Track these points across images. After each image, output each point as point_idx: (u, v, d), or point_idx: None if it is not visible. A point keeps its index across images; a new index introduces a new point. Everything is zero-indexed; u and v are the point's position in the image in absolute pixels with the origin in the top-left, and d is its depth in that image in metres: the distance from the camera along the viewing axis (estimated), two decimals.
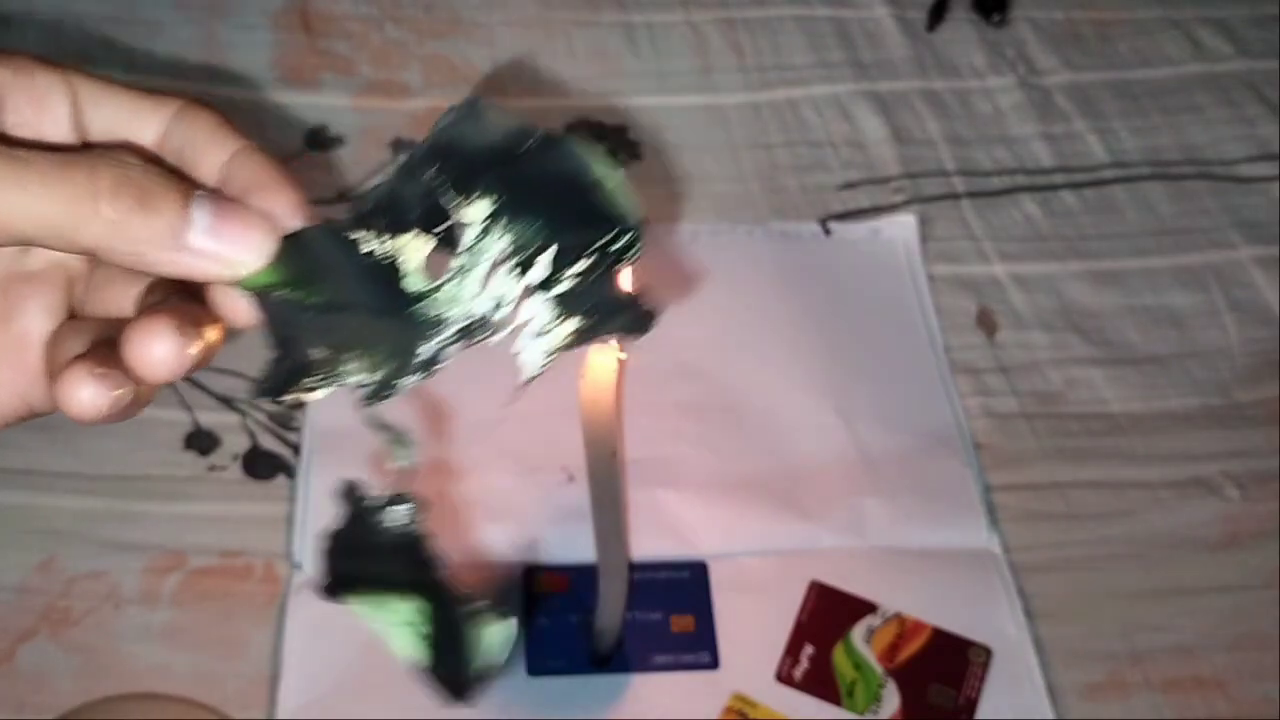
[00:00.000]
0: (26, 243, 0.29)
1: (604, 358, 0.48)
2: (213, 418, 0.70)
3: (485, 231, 0.32)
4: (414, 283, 0.32)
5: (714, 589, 0.65)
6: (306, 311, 0.31)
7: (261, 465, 0.68)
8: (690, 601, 0.64)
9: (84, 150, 0.31)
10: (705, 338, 0.75)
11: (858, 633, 0.64)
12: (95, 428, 0.34)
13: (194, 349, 0.30)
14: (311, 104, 0.85)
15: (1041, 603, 0.66)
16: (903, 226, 0.81)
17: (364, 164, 0.82)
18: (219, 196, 0.30)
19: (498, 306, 0.32)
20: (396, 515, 0.35)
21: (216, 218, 0.30)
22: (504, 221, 0.32)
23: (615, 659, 0.62)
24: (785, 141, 0.87)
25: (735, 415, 0.72)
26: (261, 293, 0.31)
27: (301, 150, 0.83)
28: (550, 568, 0.65)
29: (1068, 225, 0.83)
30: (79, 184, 0.28)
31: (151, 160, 0.31)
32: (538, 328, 0.33)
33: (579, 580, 0.64)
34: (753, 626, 0.64)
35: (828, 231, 0.81)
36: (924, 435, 0.71)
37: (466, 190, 0.31)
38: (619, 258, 0.32)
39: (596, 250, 0.32)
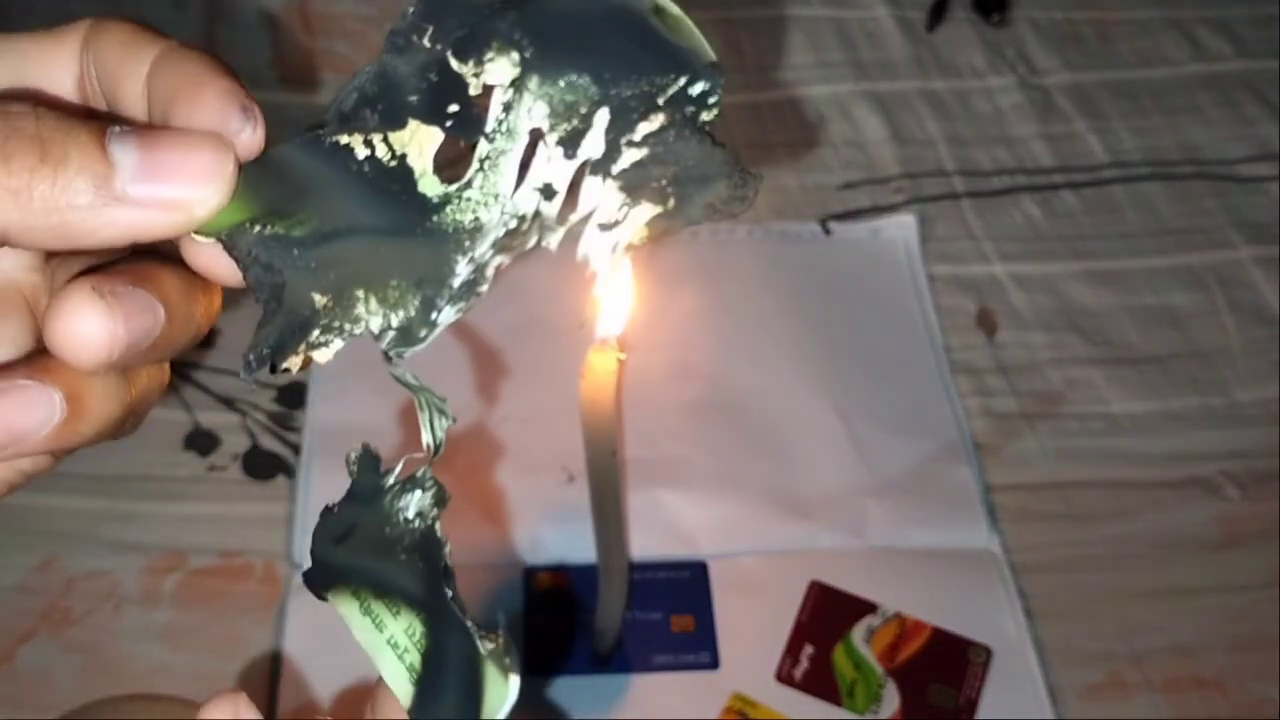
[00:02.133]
0: None
1: (604, 358, 0.48)
2: (213, 418, 0.70)
3: (513, 100, 0.24)
4: (430, 186, 0.24)
5: (714, 589, 0.65)
6: (293, 247, 0.24)
7: (261, 465, 0.68)
8: (690, 601, 0.64)
9: None
10: (705, 338, 0.75)
11: (858, 633, 0.64)
12: None
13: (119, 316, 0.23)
14: (311, 104, 0.85)
15: (1041, 603, 0.66)
16: (903, 226, 0.81)
17: None
18: (143, 125, 0.24)
19: (547, 197, 0.24)
20: (412, 502, 0.26)
21: (145, 150, 0.22)
22: (535, 81, 0.24)
23: (615, 659, 0.62)
24: (785, 141, 0.87)
25: (735, 415, 0.72)
26: (233, 236, 0.24)
27: None
28: (550, 568, 0.65)
29: (1068, 225, 0.83)
30: None
31: (58, 106, 0.24)
32: (604, 218, 0.25)
33: (579, 580, 0.64)
34: (753, 626, 0.64)
35: (828, 231, 0.81)
36: (924, 435, 0.71)
37: (479, 48, 0.23)
38: (695, 110, 0.24)
39: (665, 103, 0.24)
